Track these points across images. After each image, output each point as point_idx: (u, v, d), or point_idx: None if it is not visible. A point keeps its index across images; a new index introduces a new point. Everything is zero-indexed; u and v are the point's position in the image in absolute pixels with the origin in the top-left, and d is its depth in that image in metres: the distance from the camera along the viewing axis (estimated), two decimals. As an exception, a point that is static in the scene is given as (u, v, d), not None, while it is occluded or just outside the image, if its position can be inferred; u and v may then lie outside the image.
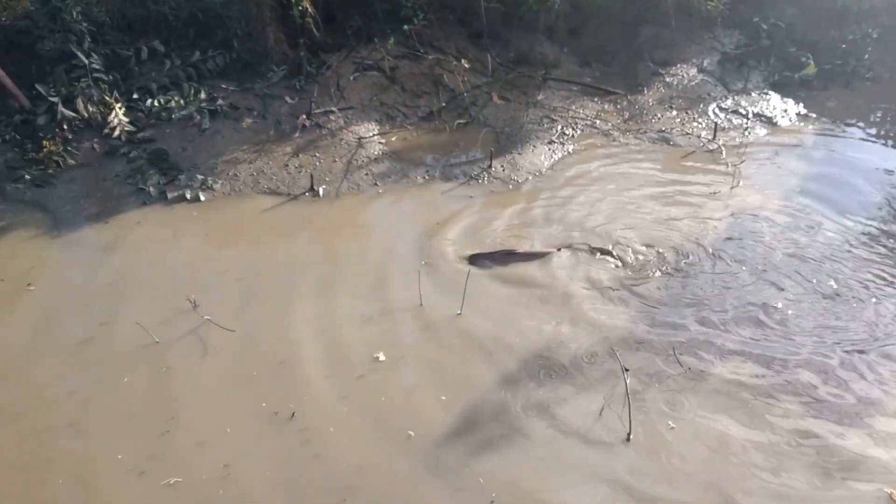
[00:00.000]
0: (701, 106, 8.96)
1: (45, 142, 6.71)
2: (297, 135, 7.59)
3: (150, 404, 4.13)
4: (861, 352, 4.66)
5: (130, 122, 7.06)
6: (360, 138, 7.66)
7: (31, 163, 6.57)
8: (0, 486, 3.58)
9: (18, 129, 6.93)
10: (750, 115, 8.76)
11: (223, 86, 7.89)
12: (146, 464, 3.73)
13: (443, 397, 4.25)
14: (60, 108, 6.87)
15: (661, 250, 5.79)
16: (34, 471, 3.69)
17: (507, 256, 5.62)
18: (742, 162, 7.43)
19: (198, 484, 3.63)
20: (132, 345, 4.58)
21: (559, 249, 5.77)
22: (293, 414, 4.07)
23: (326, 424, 4.02)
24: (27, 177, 6.41)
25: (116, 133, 6.92)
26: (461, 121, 8.20)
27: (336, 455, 3.83)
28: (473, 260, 5.59)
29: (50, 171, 6.52)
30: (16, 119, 6.96)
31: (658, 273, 5.52)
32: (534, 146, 7.69)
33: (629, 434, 3.97)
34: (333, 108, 7.99)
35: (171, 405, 4.13)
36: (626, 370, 4.40)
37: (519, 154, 7.50)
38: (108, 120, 6.97)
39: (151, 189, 6.43)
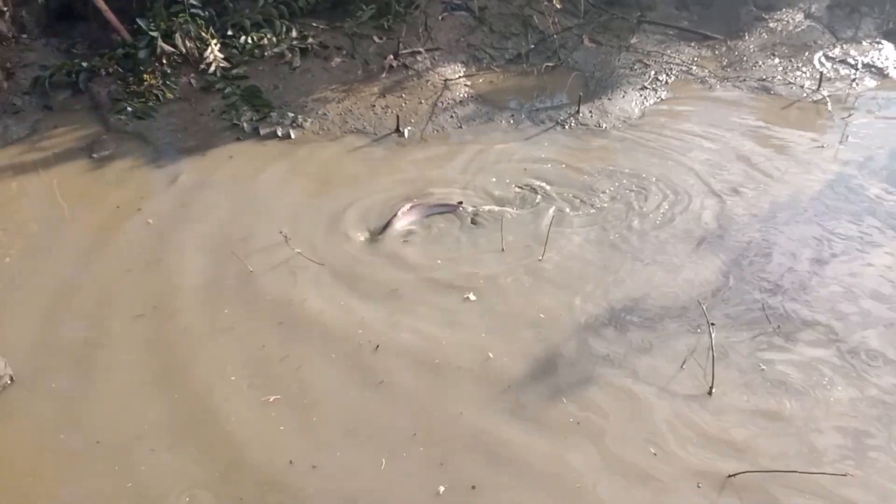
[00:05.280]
0: (806, 54, 8.45)
1: (145, 75, 6.95)
2: (384, 75, 7.60)
3: (248, 328, 4.35)
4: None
5: (225, 59, 7.20)
6: (446, 80, 7.61)
7: (132, 95, 6.83)
8: (129, 378, 3.89)
9: (121, 62, 7.17)
10: (859, 66, 8.21)
11: (313, 24, 7.93)
12: (252, 381, 3.96)
13: (529, 336, 4.31)
14: (160, 42, 7.07)
15: (754, 202, 5.59)
16: (150, 376, 3.97)
17: (409, 213, 5.36)
18: (849, 115, 7.00)
19: (291, 403, 3.83)
20: (229, 273, 4.80)
21: (460, 203, 5.52)
22: (377, 346, 4.19)
23: (408, 356, 4.15)
24: (129, 109, 6.67)
25: (212, 69, 7.09)
26: (550, 64, 8.01)
27: (413, 386, 3.97)
28: (384, 230, 5.26)
29: (150, 103, 6.76)
30: (118, 53, 7.20)
31: (753, 229, 5.33)
32: (624, 92, 7.46)
33: (711, 388, 3.92)
34: (420, 49, 7.94)
35: (268, 332, 4.33)
36: (713, 324, 4.32)
37: (609, 99, 7.30)
38: (205, 56, 7.13)
39: (245, 125, 6.60)
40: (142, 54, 7.08)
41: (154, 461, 3.48)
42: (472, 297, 4.60)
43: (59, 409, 3.76)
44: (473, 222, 5.36)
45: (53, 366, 4.03)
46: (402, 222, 5.30)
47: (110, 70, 7.10)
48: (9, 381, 3.84)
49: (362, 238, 5.20)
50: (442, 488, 3.36)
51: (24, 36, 7.50)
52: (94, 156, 6.14)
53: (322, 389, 3.92)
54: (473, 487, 3.39)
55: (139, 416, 3.73)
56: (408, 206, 5.40)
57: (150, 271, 4.81)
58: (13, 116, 6.60)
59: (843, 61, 8.30)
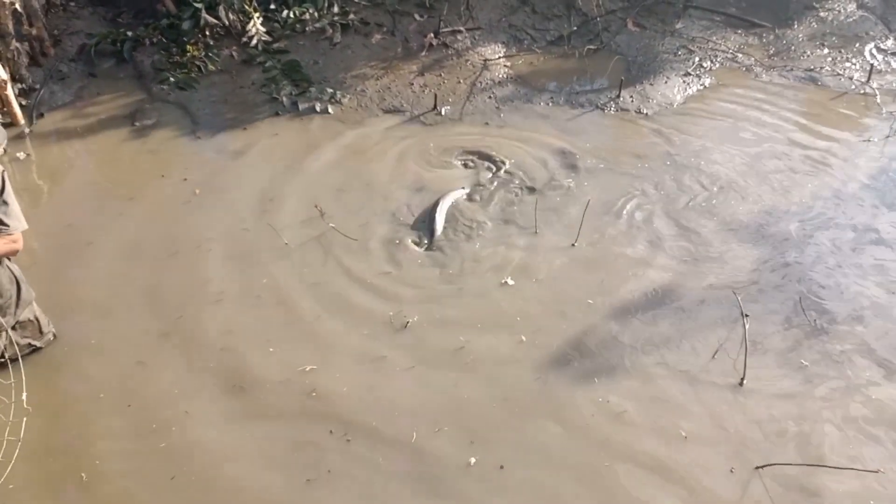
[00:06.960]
0: (857, 45, 8.20)
1: (188, 46, 7.02)
2: (423, 53, 7.56)
3: (281, 299, 4.44)
4: None
5: (267, 33, 7.22)
6: (485, 60, 7.55)
7: (175, 66, 6.91)
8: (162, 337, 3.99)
9: (165, 32, 7.25)
10: (912, 59, 7.96)
11: (355, 0, 7.91)
12: (285, 352, 4.05)
13: (562, 320, 4.32)
14: (204, 14, 7.12)
15: (795, 194, 5.50)
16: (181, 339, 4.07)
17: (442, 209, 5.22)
18: (899, 109, 6.83)
19: (325, 372, 3.92)
20: (266, 244, 4.88)
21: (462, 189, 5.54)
22: (406, 323, 4.23)
23: (437, 336, 4.19)
24: (172, 79, 6.74)
25: (254, 42, 7.12)
26: (592, 47, 7.89)
27: (439, 366, 4.02)
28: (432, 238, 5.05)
29: (192, 74, 6.83)
30: (163, 23, 7.27)
31: (794, 221, 5.25)
32: (667, 78, 7.33)
33: (742, 379, 3.89)
34: (461, 28, 7.88)
35: (300, 304, 4.40)
36: (747, 315, 4.27)
37: (651, 85, 7.18)
38: (247, 29, 7.16)
39: (284, 99, 6.64)
40: (185, 25, 7.15)
41: (189, 422, 3.59)
42: (509, 281, 4.60)
43: (99, 367, 3.89)
44: (504, 212, 5.34)
45: (96, 327, 4.14)
46: (440, 221, 5.13)
47: (154, 40, 7.19)
48: (52, 338, 3.96)
49: (399, 217, 5.21)
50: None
51: (72, 4, 7.62)
52: (137, 124, 6.24)
53: (350, 363, 3.99)
54: (502, 467, 3.43)
55: (173, 380, 3.84)
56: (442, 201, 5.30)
57: (193, 242, 4.91)
58: (59, 82, 6.72)
59: (895, 53, 8.05)
